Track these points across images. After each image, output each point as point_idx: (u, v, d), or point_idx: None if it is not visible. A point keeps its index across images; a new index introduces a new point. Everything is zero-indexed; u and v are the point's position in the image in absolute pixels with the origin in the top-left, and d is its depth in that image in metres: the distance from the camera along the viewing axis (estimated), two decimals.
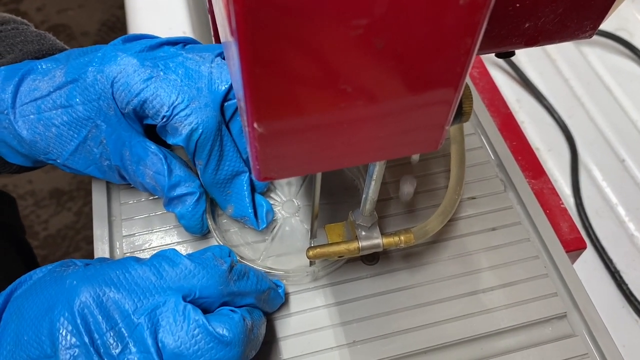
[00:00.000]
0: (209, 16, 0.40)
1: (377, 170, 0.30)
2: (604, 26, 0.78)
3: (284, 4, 0.19)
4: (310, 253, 0.34)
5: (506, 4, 0.29)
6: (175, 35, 0.41)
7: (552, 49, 0.79)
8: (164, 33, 0.62)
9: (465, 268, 0.40)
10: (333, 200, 0.43)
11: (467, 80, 0.30)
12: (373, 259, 0.40)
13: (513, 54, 0.37)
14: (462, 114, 0.29)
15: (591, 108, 0.73)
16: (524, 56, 0.78)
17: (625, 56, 0.77)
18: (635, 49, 0.75)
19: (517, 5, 0.29)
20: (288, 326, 0.37)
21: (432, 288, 0.39)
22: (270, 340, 0.37)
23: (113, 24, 1.93)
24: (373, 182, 0.31)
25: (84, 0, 1.96)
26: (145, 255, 0.39)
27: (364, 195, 0.33)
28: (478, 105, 0.49)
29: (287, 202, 0.43)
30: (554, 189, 0.46)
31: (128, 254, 0.40)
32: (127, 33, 0.64)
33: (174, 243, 0.41)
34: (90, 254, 0.40)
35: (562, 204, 0.45)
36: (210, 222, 0.40)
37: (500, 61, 0.78)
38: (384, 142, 0.25)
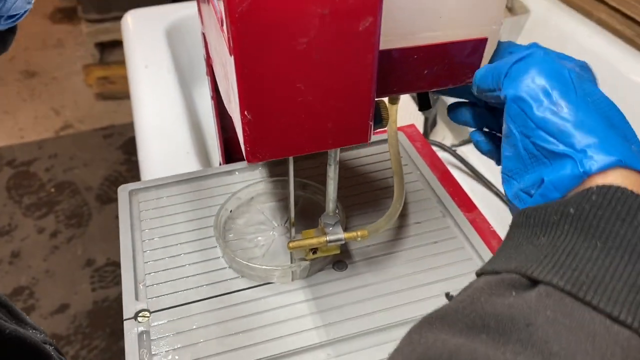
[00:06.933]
0: (208, 78, 0.55)
1: (333, 170, 0.43)
2: None
3: (265, 34, 0.33)
4: (291, 245, 0.46)
5: (408, 57, 0.43)
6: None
7: None
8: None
9: (415, 269, 0.51)
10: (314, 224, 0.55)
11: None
12: (343, 266, 0.51)
13: (430, 106, 0.51)
14: (382, 119, 0.42)
15: None
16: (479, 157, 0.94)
17: None
18: None
19: (415, 57, 0.43)
20: (276, 315, 0.47)
21: (389, 284, 0.50)
22: (262, 326, 0.46)
23: (115, 179, 2.11)
24: (332, 182, 0.44)
25: (89, 160, 2.17)
26: None
27: (326, 196, 0.45)
28: (422, 164, 0.63)
29: (278, 227, 0.55)
30: (485, 219, 0.58)
31: None
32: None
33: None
34: None
35: (492, 227, 0.57)
36: (219, 242, 0.51)
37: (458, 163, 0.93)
38: (330, 134, 0.38)
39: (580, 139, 0.33)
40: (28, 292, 1.79)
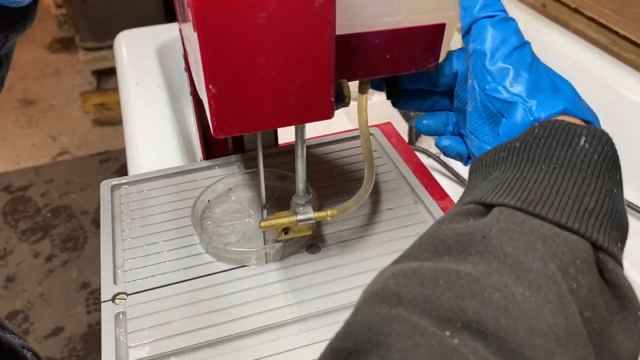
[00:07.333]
0: (186, 74, 0.57)
1: (300, 149, 0.45)
2: None
3: (225, 8, 0.35)
4: (262, 224, 0.47)
5: (370, 41, 0.45)
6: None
7: None
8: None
9: (386, 250, 0.52)
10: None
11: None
12: (316, 249, 0.52)
13: (398, 94, 0.53)
14: (344, 97, 0.45)
15: None
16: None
17: None
18: None
19: (377, 41, 0.46)
20: (250, 295, 0.49)
21: (360, 264, 0.51)
22: (236, 305, 0.48)
23: None
24: (300, 161, 0.46)
25: (85, 184, 2.19)
26: None
27: (296, 177, 0.47)
28: (397, 158, 0.65)
29: (254, 214, 0.56)
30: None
31: None
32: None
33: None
34: None
35: None
36: (196, 229, 0.52)
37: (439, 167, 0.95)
38: (294, 109, 0.40)
39: (531, 91, 0.37)
40: (23, 316, 1.79)
